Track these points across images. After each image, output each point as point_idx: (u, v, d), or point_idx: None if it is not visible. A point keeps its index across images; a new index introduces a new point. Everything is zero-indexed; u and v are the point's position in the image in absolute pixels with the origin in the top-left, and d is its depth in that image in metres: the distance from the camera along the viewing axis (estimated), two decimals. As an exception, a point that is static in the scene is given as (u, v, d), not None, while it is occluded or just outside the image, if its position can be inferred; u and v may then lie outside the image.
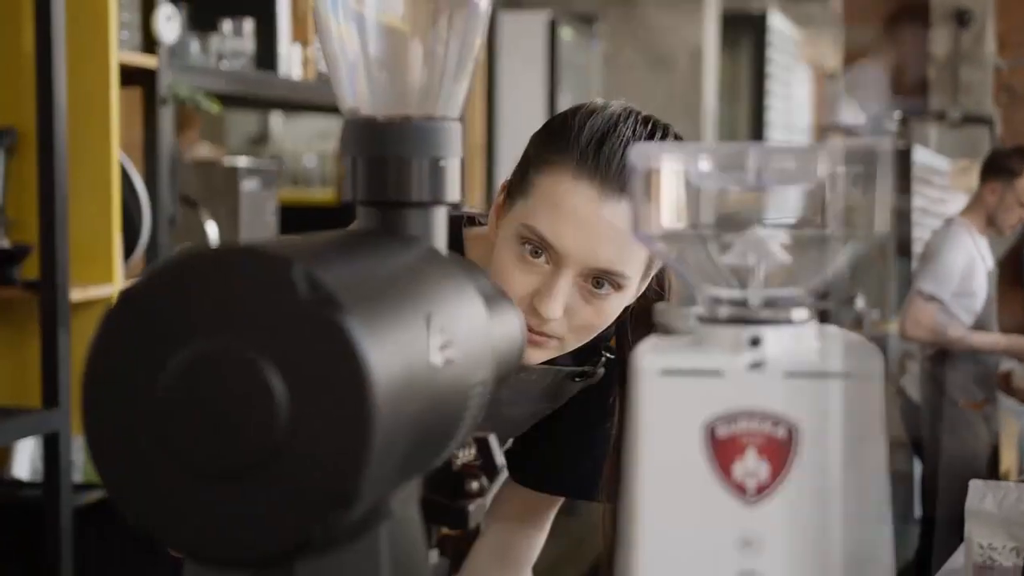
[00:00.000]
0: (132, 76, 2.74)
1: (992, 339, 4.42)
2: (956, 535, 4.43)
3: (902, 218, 7.38)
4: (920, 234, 7.42)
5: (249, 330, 0.62)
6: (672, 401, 0.70)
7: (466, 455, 0.86)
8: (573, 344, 1.30)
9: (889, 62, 6.78)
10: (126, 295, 0.64)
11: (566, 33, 5.12)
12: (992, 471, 4.32)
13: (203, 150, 4.31)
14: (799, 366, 0.69)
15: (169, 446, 0.62)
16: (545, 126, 1.32)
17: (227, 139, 5.65)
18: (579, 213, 1.23)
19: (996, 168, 4.37)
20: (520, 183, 1.30)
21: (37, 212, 2.47)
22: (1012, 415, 4.75)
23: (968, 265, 4.30)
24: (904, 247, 7.41)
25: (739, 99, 7.67)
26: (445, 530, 0.83)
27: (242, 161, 3.26)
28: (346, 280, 0.67)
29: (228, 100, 3.28)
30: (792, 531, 0.68)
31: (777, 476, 0.68)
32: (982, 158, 4.58)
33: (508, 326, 0.89)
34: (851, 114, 5.91)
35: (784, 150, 0.73)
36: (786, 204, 0.75)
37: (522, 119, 4.83)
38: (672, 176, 0.74)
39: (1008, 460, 4.63)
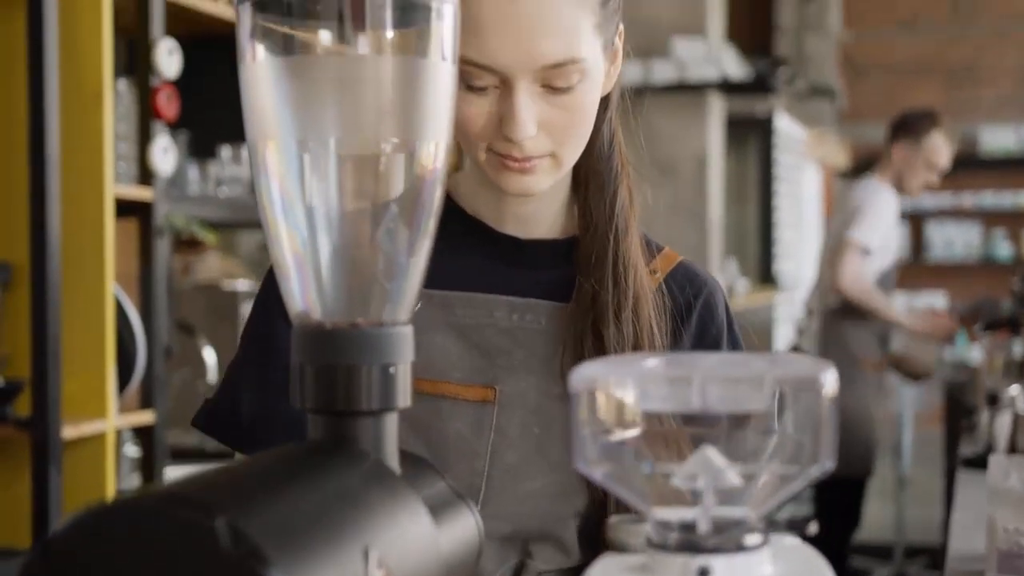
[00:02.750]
0: (129, 208, 2.76)
1: (911, 320, 4.51)
2: (843, 492, 4.46)
3: (765, 184, 7.48)
4: (779, 203, 7.49)
5: (167, 590, 0.60)
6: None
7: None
8: (570, 154, 1.17)
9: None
10: (47, 545, 0.62)
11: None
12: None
13: (213, 263, 4.32)
14: (746, 607, 0.67)
15: None
16: None
17: (239, 249, 5.68)
18: (497, 19, 1.09)
19: (904, 129, 4.42)
20: None
21: (30, 348, 2.46)
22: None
23: (892, 220, 4.36)
24: (766, 212, 7.50)
25: (747, 200, 7.69)
26: None
27: (242, 284, 3.26)
28: (274, 525, 0.65)
29: (229, 224, 3.29)
30: None
31: None
32: (828, 128, 4.71)
33: (461, 531, 0.86)
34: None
35: (730, 377, 0.71)
36: (735, 428, 0.73)
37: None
38: (615, 398, 0.72)
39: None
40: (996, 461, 1.80)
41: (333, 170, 0.82)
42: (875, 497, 7.10)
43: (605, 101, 1.23)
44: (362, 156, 0.82)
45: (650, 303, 1.21)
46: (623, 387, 0.72)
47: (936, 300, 10.18)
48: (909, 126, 4.40)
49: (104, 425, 2.60)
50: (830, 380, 0.70)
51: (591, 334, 1.17)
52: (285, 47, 0.81)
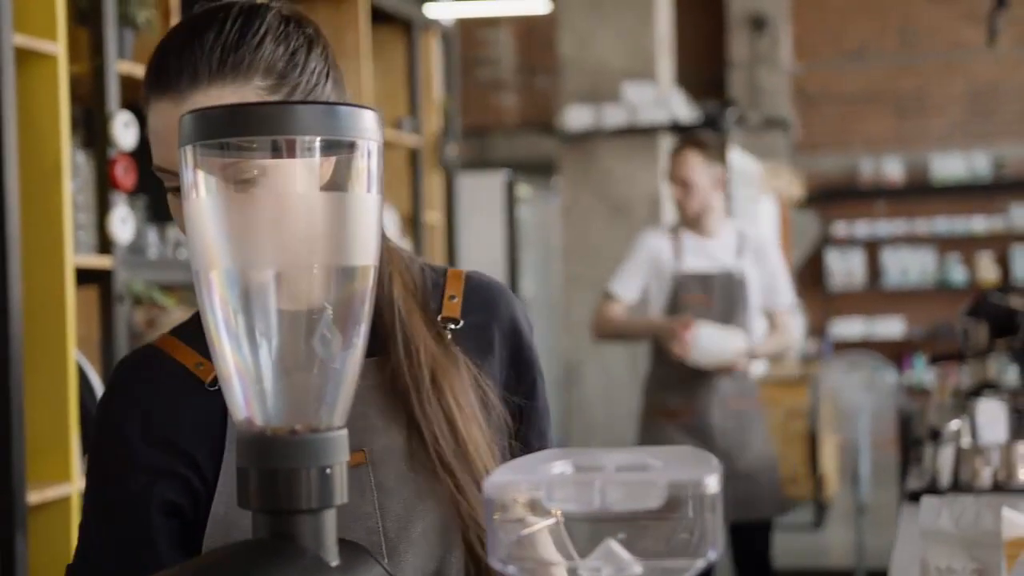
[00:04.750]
0: (88, 275, 2.82)
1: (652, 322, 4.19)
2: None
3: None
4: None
5: None
6: None
7: None
8: None
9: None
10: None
11: (523, 190, 5.24)
12: None
13: (176, 317, 4.36)
14: None
15: None
16: None
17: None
18: (159, 129, 1.21)
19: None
20: None
21: (-6, 416, 2.52)
22: None
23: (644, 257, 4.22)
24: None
25: (703, 236, 7.79)
26: None
27: (202, 342, 3.32)
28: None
29: (189, 287, 3.36)
30: None
31: None
32: (782, 159, 4.55)
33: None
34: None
35: (627, 480, 0.79)
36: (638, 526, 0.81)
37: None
38: (523, 503, 0.80)
39: None
40: (928, 502, 1.87)
41: (271, 292, 0.90)
42: (835, 523, 7.21)
43: None
44: (297, 279, 0.90)
45: (450, 372, 1.27)
46: (534, 491, 0.80)
47: (893, 326, 10.35)
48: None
49: (69, 488, 2.66)
50: (712, 482, 0.78)
51: (405, 412, 1.26)
52: (223, 185, 0.90)
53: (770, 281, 4.12)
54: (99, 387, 2.77)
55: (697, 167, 4.02)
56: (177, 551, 1.25)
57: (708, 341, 3.93)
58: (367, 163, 0.91)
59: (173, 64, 1.19)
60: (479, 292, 1.36)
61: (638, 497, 0.79)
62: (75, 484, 2.69)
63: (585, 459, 0.85)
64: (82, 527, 1.29)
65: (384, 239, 1.29)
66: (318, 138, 0.89)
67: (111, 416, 1.29)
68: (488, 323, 1.34)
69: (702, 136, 4.21)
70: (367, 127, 0.91)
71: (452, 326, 1.31)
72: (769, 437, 4.36)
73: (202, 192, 0.90)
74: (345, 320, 0.92)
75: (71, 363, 2.66)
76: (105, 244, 2.86)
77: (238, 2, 1.24)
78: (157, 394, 1.28)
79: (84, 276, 2.81)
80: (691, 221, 4.12)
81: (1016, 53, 9.34)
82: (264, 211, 0.90)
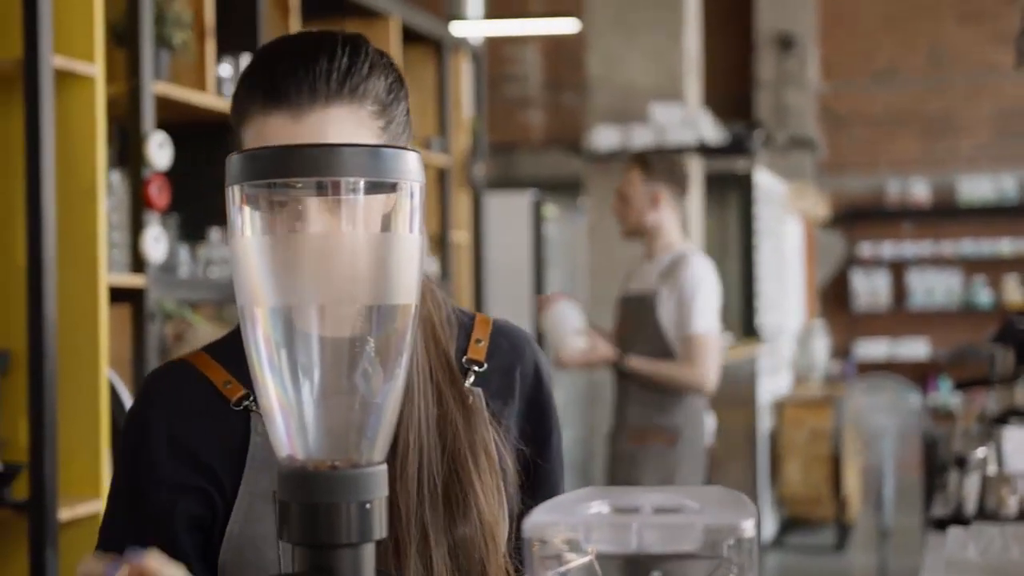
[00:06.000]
0: (121, 294, 2.86)
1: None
2: None
3: (746, 238, 7.52)
4: (760, 256, 7.56)
5: None
6: None
7: None
8: None
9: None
10: None
11: (550, 211, 5.26)
12: None
13: (204, 331, 4.40)
14: None
15: None
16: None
17: (227, 316, 5.78)
18: (283, 138, 1.20)
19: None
20: None
21: (28, 432, 2.55)
22: None
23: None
24: (748, 267, 7.55)
25: (729, 256, 7.80)
26: None
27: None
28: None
29: (219, 303, 3.40)
30: None
31: None
32: (808, 179, 4.42)
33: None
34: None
35: (663, 523, 0.81)
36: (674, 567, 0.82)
37: (509, 296, 4.95)
38: (564, 541, 0.82)
39: None
40: (954, 533, 1.87)
41: (314, 329, 0.92)
42: (856, 546, 7.18)
43: None
44: (340, 316, 0.92)
45: (420, 403, 1.27)
46: (572, 532, 0.82)
47: (918, 347, 10.31)
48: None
49: (99, 505, 2.69)
50: (749, 525, 0.80)
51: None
52: (270, 225, 0.92)
53: (682, 308, 3.95)
54: (130, 405, 2.80)
55: (634, 182, 4.05)
56: (200, 563, 1.27)
57: (556, 315, 3.99)
58: (410, 203, 0.93)
59: (290, 80, 1.20)
60: (505, 338, 1.38)
61: (675, 539, 0.80)
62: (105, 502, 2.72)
63: (621, 499, 0.86)
64: (103, 530, 1.31)
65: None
66: (362, 179, 0.91)
67: (138, 426, 1.31)
68: (511, 370, 1.36)
69: (651, 157, 4.23)
70: (410, 168, 0.93)
71: (476, 368, 1.33)
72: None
73: (248, 231, 0.92)
74: (386, 355, 0.94)
75: (103, 381, 2.69)
76: (138, 263, 2.89)
77: (339, 31, 1.26)
78: (182, 408, 1.29)
79: (117, 295, 2.84)
80: (628, 235, 4.16)
81: (1045, 76, 9.31)
82: (309, 250, 0.92)
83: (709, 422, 4.09)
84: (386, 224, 0.92)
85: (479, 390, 1.32)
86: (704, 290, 3.96)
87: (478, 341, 1.35)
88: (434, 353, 1.30)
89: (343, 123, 1.20)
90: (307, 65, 1.20)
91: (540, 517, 0.82)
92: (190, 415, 1.29)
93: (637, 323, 4.02)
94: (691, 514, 0.81)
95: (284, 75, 1.20)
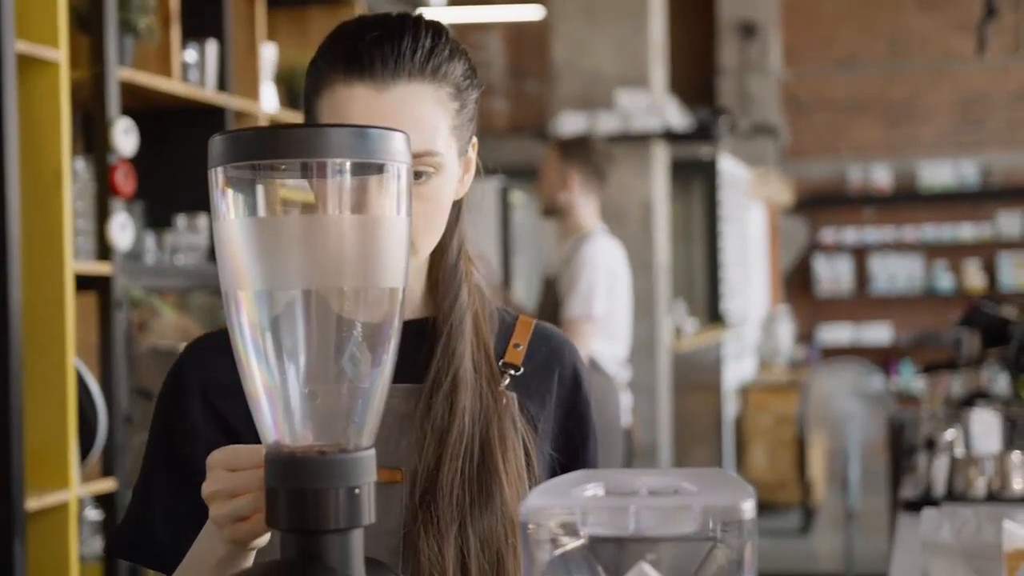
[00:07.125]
0: (88, 282, 2.82)
1: None
2: None
3: (711, 225, 7.57)
4: (725, 243, 7.61)
5: None
6: None
7: None
8: (425, 244, 1.25)
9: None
10: None
11: (516, 197, 5.24)
12: None
13: (168, 320, 4.36)
14: None
15: None
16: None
17: (191, 304, 5.74)
18: (364, 110, 1.20)
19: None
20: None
21: (-7, 423, 2.52)
22: None
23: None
24: (712, 253, 7.60)
25: (693, 241, 7.83)
26: None
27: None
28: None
29: (185, 291, 3.36)
30: None
31: None
32: (772, 165, 4.47)
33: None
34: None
35: (661, 506, 0.80)
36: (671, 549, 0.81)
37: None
38: (560, 525, 0.81)
39: None
40: (929, 514, 1.87)
41: (300, 313, 0.90)
42: (824, 529, 7.23)
43: (458, 207, 1.33)
44: (326, 299, 0.91)
45: (469, 394, 1.27)
46: (568, 515, 0.81)
47: (881, 332, 10.38)
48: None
49: (67, 495, 2.66)
50: (748, 507, 0.79)
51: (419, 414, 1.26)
52: (254, 207, 0.90)
53: (567, 291, 3.97)
54: (97, 393, 2.77)
55: (550, 162, 4.12)
56: None
57: None
58: (396, 185, 0.91)
59: (376, 53, 1.21)
60: (545, 342, 1.37)
61: (672, 522, 0.79)
62: (73, 491, 2.69)
63: (617, 481, 0.85)
64: (138, 484, 1.32)
65: (465, 258, 1.31)
66: (348, 160, 0.89)
67: (172, 388, 1.32)
68: (550, 374, 1.36)
69: (570, 141, 4.28)
70: (397, 149, 0.91)
71: (512, 372, 1.32)
72: None
73: (231, 213, 0.90)
74: (374, 340, 0.92)
75: (71, 369, 2.66)
76: (104, 250, 2.85)
77: (420, 14, 1.27)
78: (214, 376, 1.28)
79: (83, 282, 2.81)
80: (544, 214, 4.20)
81: (1005, 62, 9.37)
82: (293, 233, 0.91)
83: (624, 401, 4.09)
84: (373, 206, 0.91)
85: (513, 394, 1.31)
86: (588, 274, 3.94)
87: (516, 345, 1.35)
88: (476, 346, 1.30)
89: (424, 99, 1.21)
90: (392, 41, 1.22)
91: (536, 500, 0.81)
92: (221, 382, 1.27)
93: (547, 305, 4.06)
94: (688, 496, 0.81)
95: (369, 48, 1.21)
